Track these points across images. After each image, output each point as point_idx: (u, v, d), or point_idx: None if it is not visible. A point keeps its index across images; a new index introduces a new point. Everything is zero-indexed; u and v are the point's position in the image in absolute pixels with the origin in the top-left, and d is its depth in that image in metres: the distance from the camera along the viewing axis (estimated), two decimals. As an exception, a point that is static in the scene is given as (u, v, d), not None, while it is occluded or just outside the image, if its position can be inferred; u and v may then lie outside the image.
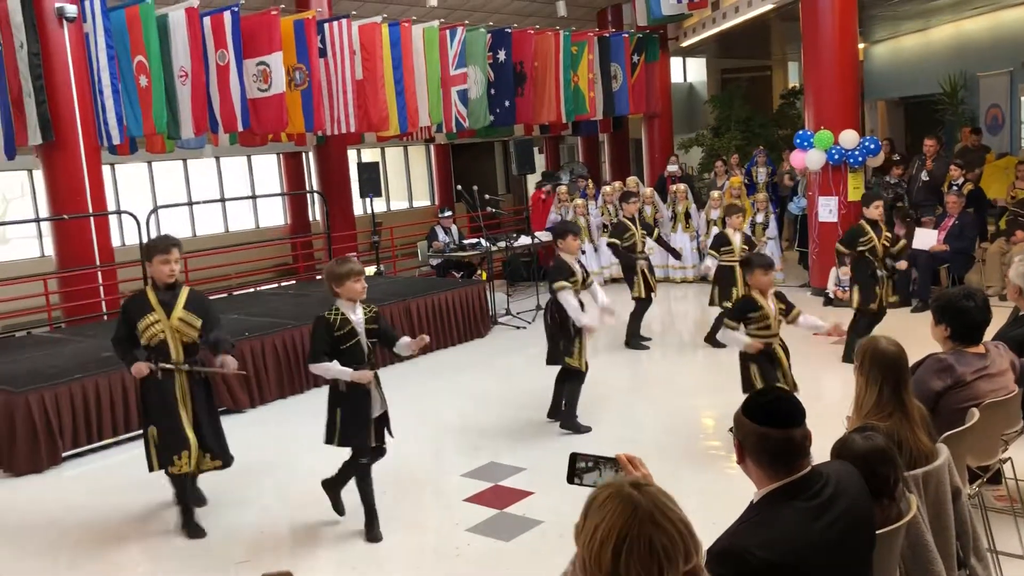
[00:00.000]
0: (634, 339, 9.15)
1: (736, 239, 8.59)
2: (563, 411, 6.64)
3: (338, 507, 5.22)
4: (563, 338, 6.53)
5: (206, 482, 5.87)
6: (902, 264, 8.03)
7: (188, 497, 5.30)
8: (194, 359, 5.23)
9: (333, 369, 4.85)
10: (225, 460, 5.34)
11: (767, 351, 5.79)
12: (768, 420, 2.41)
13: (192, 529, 5.21)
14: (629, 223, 9.22)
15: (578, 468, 2.32)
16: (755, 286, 5.80)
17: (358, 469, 4.99)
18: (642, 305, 9.17)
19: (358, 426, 4.90)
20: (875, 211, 7.75)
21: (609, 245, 9.61)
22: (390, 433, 5.12)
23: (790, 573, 2.27)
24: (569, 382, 6.63)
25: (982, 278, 10.08)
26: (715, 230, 11.63)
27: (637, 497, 1.83)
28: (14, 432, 6.42)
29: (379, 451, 5.09)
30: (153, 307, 5.08)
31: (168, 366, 5.09)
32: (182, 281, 5.31)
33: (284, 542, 5.04)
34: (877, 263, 7.67)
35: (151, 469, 5.24)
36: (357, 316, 4.92)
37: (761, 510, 2.41)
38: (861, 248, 7.66)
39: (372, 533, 4.99)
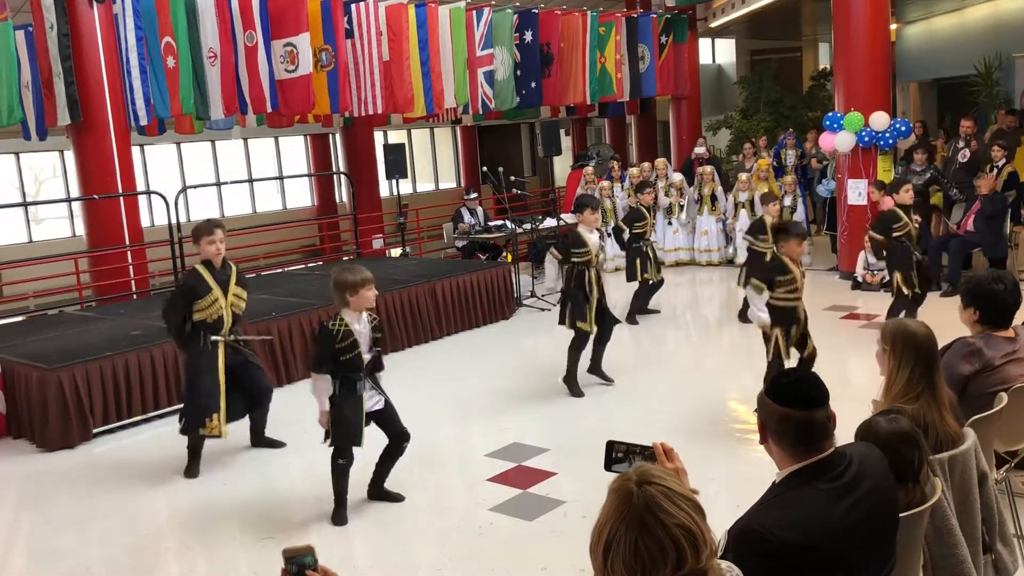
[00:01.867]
0: (632, 316, 9.38)
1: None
2: (566, 372, 7.05)
3: (392, 497, 5.26)
4: (574, 302, 6.89)
5: (234, 461, 5.99)
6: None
7: (198, 453, 5.89)
8: (237, 329, 5.88)
9: (321, 389, 4.89)
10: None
11: (793, 315, 5.86)
12: (791, 401, 2.40)
13: (192, 470, 5.84)
14: (645, 211, 9.53)
15: (615, 456, 2.33)
16: (788, 254, 5.84)
17: (335, 467, 5.00)
18: (650, 288, 9.45)
19: (346, 430, 4.92)
20: (906, 195, 7.65)
21: (615, 229, 9.78)
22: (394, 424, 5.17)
23: (811, 554, 2.26)
24: (572, 347, 7.02)
25: (1015, 262, 9.93)
26: (743, 213, 11.61)
27: (634, 495, 1.79)
28: (46, 408, 6.54)
29: (402, 436, 5.15)
30: (211, 287, 5.71)
31: (218, 338, 5.74)
32: (228, 259, 5.88)
33: (309, 519, 5.09)
34: (913, 247, 7.59)
35: (183, 432, 5.85)
36: (361, 326, 4.89)
37: (782, 491, 2.40)
38: (897, 233, 7.57)
39: (339, 515, 5.02)
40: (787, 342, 5.90)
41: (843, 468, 2.40)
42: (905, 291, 7.52)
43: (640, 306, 9.50)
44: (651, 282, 9.41)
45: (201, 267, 5.76)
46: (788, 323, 5.89)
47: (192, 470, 5.85)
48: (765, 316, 5.80)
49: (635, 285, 9.46)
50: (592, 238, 6.91)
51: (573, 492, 5.13)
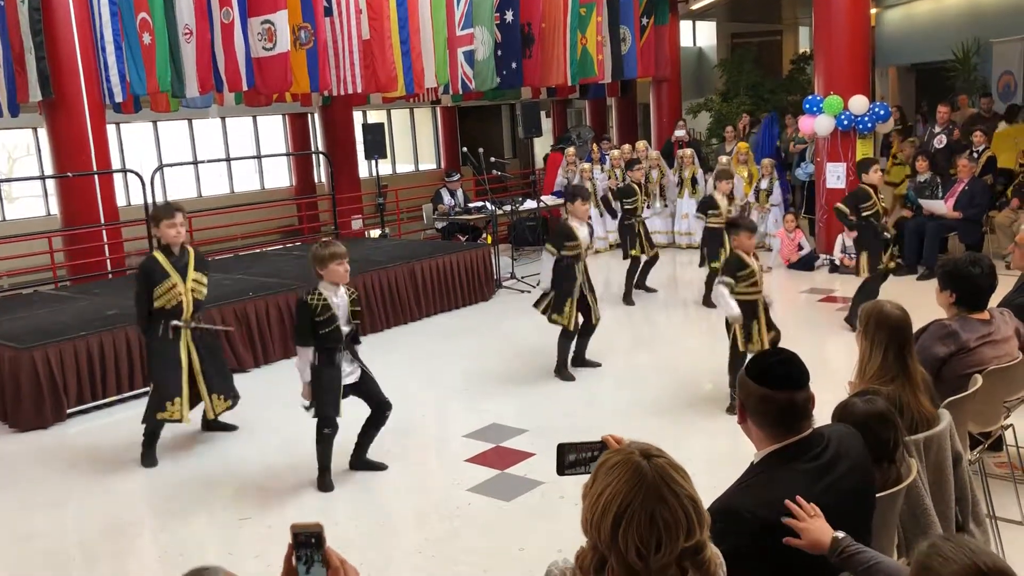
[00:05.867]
0: (628, 296, 9.55)
1: (723, 202, 8.93)
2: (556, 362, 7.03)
3: (375, 466, 5.41)
4: (557, 295, 6.85)
5: (210, 442, 5.95)
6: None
7: (155, 440, 5.77)
8: (199, 315, 5.73)
9: (304, 361, 5.02)
10: (233, 399, 5.95)
11: (753, 308, 5.93)
12: (771, 382, 2.40)
13: (148, 458, 5.70)
14: (636, 187, 9.79)
15: (568, 460, 2.32)
16: (739, 247, 5.92)
17: (321, 436, 5.14)
18: (636, 264, 9.61)
19: (328, 399, 5.06)
20: (875, 176, 7.72)
21: (603, 199, 9.90)
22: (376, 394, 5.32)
23: (788, 534, 2.27)
24: (561, 337, 6.99)
25: (989, 245, 10.01)
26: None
27: (645, 467, 1.80)
28: (19, 388, 6.46)
29: (384, 406, 5.30)
30: (169, 273, 5.53)
31: (179, 323, 5.61)
32: (187, 242, 5.74)
33: (287, 500, 5.07)
34: (880, 227, 7.63)
35: (142, 421, 5.69)
36: (339, 299, 5.04)
37: (761, 471, 2.41)
38: (865, 213, 7.60)
39: (324, 482, 5.17)
40: (745, 336, 5.93)
41: (821, 449, 2.41)
42: (866, 272, 7.61)
43: (630, 284, 9.59)
44: (642, 259, 9.56)
45: (159, 253, 5.64)
46: (748, 317, 5.91)
47: (149, 458, 5.69)
48: (736, 311, 5.83)
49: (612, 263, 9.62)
50: (582, 231, 6.88)
51: (551, 473, 5.06)
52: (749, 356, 5.95)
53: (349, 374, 5.15)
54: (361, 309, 5.31)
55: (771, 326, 6.08)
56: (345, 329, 5.05)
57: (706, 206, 9.29)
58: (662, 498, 1.77)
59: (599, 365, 7.17)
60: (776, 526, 2.27)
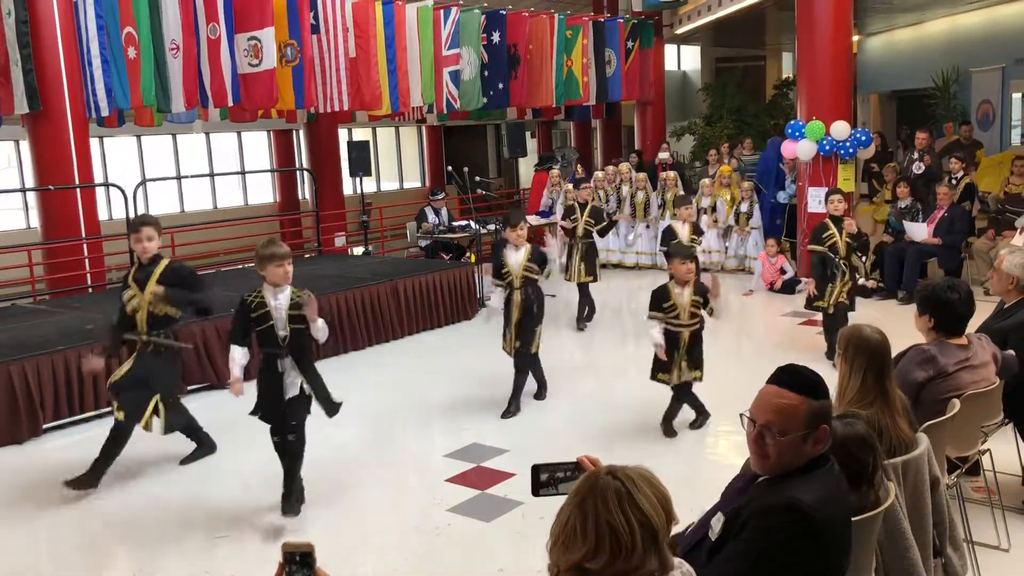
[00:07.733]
0: (578, 321, 9.35)
1: (683, 230, 8.70)
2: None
3: (289, 508, 5.06)
4: (503, 324, 6.75)
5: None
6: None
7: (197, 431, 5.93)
8: (160, 331, 5.52)
9: (233, 358, 5.07)
10: (122, 412, 5.64)
11: (675, 339, 5.95)
12: (824, 394, 2.48)
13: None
14: (576, 207, 9.43)
15: (541, 479, 2.33)
16: (674, 273, 5.94)
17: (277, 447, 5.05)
18: (583, 288, 9.33)
19: (267, 405, 5.02)
20: (830, 207, 7.70)
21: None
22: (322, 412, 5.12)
23: (833, 534, 2.33)
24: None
25: (968, 272, 10.11)
26: (704, 218, 11.67)
27: (601, 481, 1.84)
28: (-5, 403, 6.39)
29: (289, 431, 5.00)
30: (129, 284, 5.51)
31: (132, 337, 5.53)
32: (162, 256, 5.62)
33: (266, 518, 5.02)
34: (839, 259, 7.56)
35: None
36: (278, 301, 4.88)
37: (800, 474, 2.43)
38: (826, 244, 7.57)
39: (287, 508, 4.99)
40: (658, 366, 6.05)
41: (833, 462, 2.49)
42: (820, 303, 7.56)
43: (580, 310, 9.36)
44: (578, 283, 9.25)
45: (134, 265, 5.64)
46: (670, 347, 5.97)
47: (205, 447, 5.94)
48: (660, 339, 5.91)
49: (597, 284, 9.47)
50: (513, 257, 6.60)
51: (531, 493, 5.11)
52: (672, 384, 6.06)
53: (289, 385, 4.95)
54: (304, 316, 4.82)
55: (695, 364, 6.03)
56: (281, 333, 4.87)
57: (667, 237, 8.91)
58: (608, 510, 1.80)
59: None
60: (829, 526, 2.32)
